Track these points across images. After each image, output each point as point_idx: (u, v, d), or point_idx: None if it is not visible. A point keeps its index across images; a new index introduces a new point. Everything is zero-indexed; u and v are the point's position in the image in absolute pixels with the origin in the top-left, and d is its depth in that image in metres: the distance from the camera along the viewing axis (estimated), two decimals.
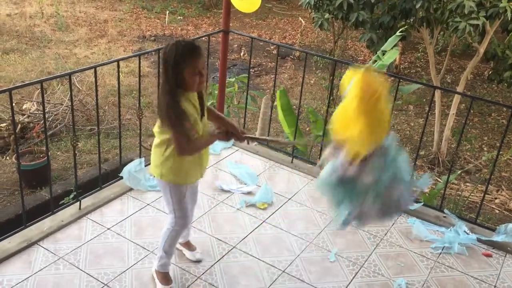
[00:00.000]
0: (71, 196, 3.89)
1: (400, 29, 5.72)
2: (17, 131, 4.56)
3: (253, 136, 3.02)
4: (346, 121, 2.45)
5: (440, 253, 3.43)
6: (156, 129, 2.66)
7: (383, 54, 5.60)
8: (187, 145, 2.55)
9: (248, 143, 2.85)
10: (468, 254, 3.45)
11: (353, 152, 2.44)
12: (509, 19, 5.57)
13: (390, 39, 5.56)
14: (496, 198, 6.33)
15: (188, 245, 3.18)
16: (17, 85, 3.52)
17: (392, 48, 5.65)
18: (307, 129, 7.51)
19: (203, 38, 4.69)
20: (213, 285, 2.98)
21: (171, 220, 2.82)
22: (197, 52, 2.47)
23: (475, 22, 5.53)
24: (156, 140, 2.68)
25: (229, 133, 2.76)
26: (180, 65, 2.44)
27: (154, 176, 2.81)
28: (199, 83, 2.51)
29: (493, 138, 8.06)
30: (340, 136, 2.51)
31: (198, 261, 3.13)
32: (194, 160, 2.68)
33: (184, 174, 2.71)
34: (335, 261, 3.27)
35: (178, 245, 3.15)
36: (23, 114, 6.43)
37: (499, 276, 3.27)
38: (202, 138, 2.65)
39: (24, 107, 6.70)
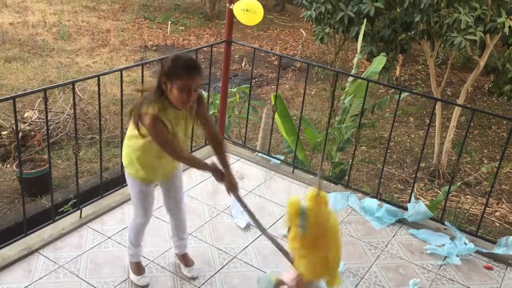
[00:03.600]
0: (70, 203, 3.90)
1: (362, 28, 5.80)
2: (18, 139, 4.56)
3: (242, 201, 2.82)
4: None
5: (441, 266, 3.43)
6: (130, 125, 2.67)
7: (365, 56, 5.67)
8: (180, 151, 2.59)
9: (229, 194, 2.81)
10: (469, 266, 3.45)
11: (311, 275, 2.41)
12: (507, 33, 5.61)
13: (377, 60, 5.61)
14: (496, 211, 6.32)
15: (185, 260, 3.14)
16: (20, 93, 3.53)
17: (379, 55, 5.71)
18: (307, 140, 7.53)
19: (206, 48, 4.72)
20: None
21: (132, 214, 2.94)
22: (193, 71, 2.43)
23: (471, 37, 5.56)
24: (128, 133, 2.72)
25: (223, 177, 2.75)
26: (172, 76, 2.42)
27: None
28: (184, 102, 2.46)
29: (493, 151, 8.07)
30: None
31: (192, 278, 3.08)
32: (153, 161, 2.69)
33: (145, 171, 2.71)
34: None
35: (176, 258, 3.17)
36: (25, 122, 6.45)
37: None
38: (198, 159, 2.77)
39: (25, 115, 6.72)
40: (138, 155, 2.68)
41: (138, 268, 3.02)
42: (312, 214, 2.33)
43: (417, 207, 3.81)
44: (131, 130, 2.66)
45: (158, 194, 2.98)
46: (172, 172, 2.88)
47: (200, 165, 2.78)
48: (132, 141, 2.67)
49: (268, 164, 4.49)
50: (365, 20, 6.02)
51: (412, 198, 3.92)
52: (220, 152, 2.81)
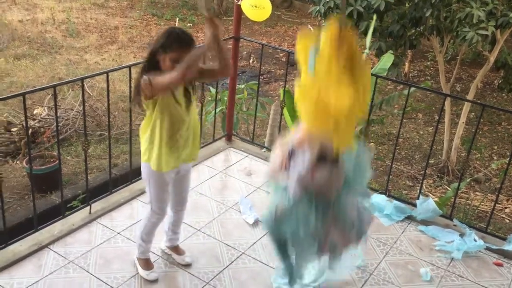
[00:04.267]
0: (79, 198, 3.92)
1: (373, 23, 5.75)
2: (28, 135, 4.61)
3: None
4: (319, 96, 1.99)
5: (450, 262, 3.41)
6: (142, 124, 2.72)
7: (375, 54, 5.63)
8: (173, 73, 2.44)
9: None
10: (479, 263, 3.43)
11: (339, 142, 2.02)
12: None
13: (385, 57, 5.58)
14: (506, 208, 6.28)
15: (177, 250, 3.19)
16: (30, 89, 3.56)
17: (387, 52, 5.67)
18: None
19: None
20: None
21: (148, 213, 2.91)
22: (186, 43, 2.49)
23: (483, 32, 5.51)
24: (141, 126, 2.74)
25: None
26: (165, 49, 2.48)
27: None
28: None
29: (503, 147, 8.00)
30: (311, 121, 2.08)
31: (187, 265, 3.13)
32: (169, 146, 2.67)
33: (157, 159, 2.69)
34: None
35: (166, 250, 3.21)
36: (34, 119, 6.49)
37: (510, 286, 3.24)
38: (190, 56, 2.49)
39: (35, 112, 6.76)
40: (155, 135, 2.64)
41: (147, 264, 3.04)
42: (328, 46, 1.95)
43: (426, 205, 3.79)
44: (143, 123, 2.71)
45: None
46: (190, 156, 2.82)
47: (197, 54, 2.50)
48: (146, 131, 2.69)
49: None
50: (374, 16, 5.98)
51: (421, 195, 3.90)
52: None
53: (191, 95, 2.72)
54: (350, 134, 2.15)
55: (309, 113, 2.07)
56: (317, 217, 2.24)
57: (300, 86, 2.10)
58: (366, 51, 5.73)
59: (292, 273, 2.56)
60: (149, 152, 2.71)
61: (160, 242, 3.22)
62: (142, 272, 3.01)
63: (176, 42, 2.48)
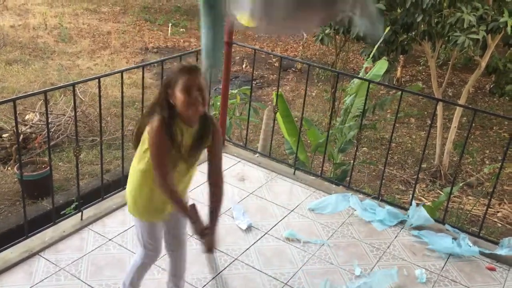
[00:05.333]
0: (73, 206, 3.89)
1: (385, 33, 5.79)
2: (19, 141, 4.59)
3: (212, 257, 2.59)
4: None
5: (443, 267, 3.41)
6: (135, 157, 2.47)
7: (372, 60, 5.67)
8: (166, 178, 2.30)
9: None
10: (472, 267, 3.43)
11: None
12: (509, 33, 5.60)
13: (379, 63, 5.61)
14: (498, 212, 6.31)
15: None
16: (21, 95, 3.53)
17: (380, 59, 5.71)
18: (308, 141, 7.53)
19: None
20: None
21: (140, 251, 2.64)
22: (190, 70, 2.30)
23: (474, 36, 5.55)
24: (132, 165, 2.50)
25: (204, 233, 2.41)
26: (173, 83, 2.29)
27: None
28: (190, 104, 2.27)
29: (494, 151, 8.05)
30: None
31: None
32: (154, 198, 2.44)
33: (149, 211, 2.50)
34: (337, 274, 3.24)
35: None
36: (26, 125, 6.45)
37: None
38: (182, 199, 2.42)
39: (26, 117, 6.72)
40: (141, 183, 2.45)
41: None
42: None
43: (418, 213, 3.79)
44: (136, 161, 2.47)
45: None
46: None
47: (181, 205, 2.38)
48: (136, 174, 2.46)
49: (269, 166, 4.48)
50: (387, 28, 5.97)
51: (413, 203, 3.90)
52: (215, 199, 2.50)
53: (196, 152, 2.44)
54: None
55: None
56: None
57: None
58: (369, 60, 5.77)
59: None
60: (133, 198, 2.49)
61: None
62: None
63: (179, 72, 2.30)
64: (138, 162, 2.43)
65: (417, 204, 3.88)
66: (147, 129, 2.32)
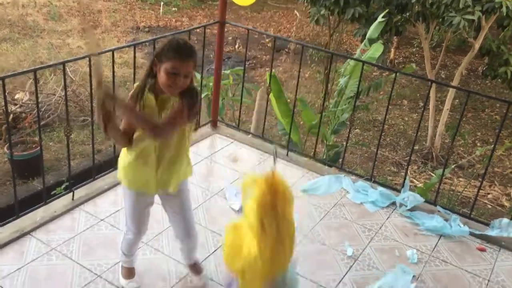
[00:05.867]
0: (64, 186, 3.86)
1: (382, 15, 5.74)
2: (9, 121, 4.52)
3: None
4: (240, 243, 2.10)
5: (434, 247, 3.44)
6: None
7: (368, 42, 5.63)
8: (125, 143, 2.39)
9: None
10: (462, 248, 3.46)
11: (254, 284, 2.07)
12: (505, 14, 5.57)
13: (373, 26, 5.56)
14: (489, 194, 6.36)
15: (195, 268, 2.92)
16: (10, 73, 3.47)
17: (377, 41, 5.67)
18: (301, 122, 7.52)
19: (199, 29, 4.65)
20: (208, 277, 2.96)
21: (125, 228, 2.73)
22: (183, 55, 2.27)
23: (470, 17, 5.52)
24: None
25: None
26: (161, 58, 2.27)
27: None
28: (169, 86, 2.27)
29: (486, 133, 8.09)
30: (233, 265, 2.17)
31: (202, 286, 2.92)
32: (140, 163, 2.46)
33: (129, 176, 2.51)
34: (329, 254, 3.26)
35: (187, 267, 2.96)
36: (15, 104, 6.37)
37: (493, 270, 3.28)
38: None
39: (16, 97, 6.63)
40: (125, 155, 2.50)
41: (129, 273, 2.86)
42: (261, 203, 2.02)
43: (412, 198, 3.80)
44: None
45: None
46: (171, 184, 2.53)
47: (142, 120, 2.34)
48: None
49: (262, 147, 4.47)
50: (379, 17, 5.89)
51: (407, 180, 3.90)
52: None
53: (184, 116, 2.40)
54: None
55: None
56: None
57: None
58: (366, 42, 5.72)
59: None
60: (122, 165, 2.53)
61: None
62: (122, 281, 2.84)
63: (172, 51, 2.26)
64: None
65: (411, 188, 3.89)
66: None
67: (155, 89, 2.36)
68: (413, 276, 3.13)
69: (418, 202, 3.80)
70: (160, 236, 3.24)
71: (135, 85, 2.40)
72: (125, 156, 2.51)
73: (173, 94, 2.35)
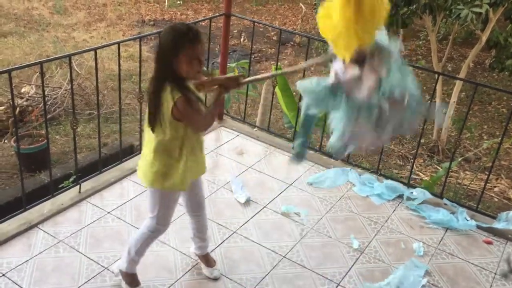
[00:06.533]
0: (71, 179, 3.88)
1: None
2: (16, 114, 4.53)
3: (251, 78, 2.74)
4: (331, 12, 2.09)
5: (441, 240, 3.43)
6: (150, 137, 2.44)
7: None
8: (203, 120, 2.39)
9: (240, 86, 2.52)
10: (469, 241, 3.46)
11: (344, 49, 2.10)
12: None
13: None
14: (495, 187, 6.33)
15: (207, 260, 2.96)
16: (17, 66, 3.48)
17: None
18: None
19: (204, 22, 4.64)
20: (219, 272, 2.97)
21: (150, 224, 2.63)
22: (196, 37, 2.25)
23: (478, 9, 5.47)
24: (151, 146, 2.45)
25: (222, 86, 2.46)
26: (177, 52, 2.21)
27: (144, 185, 2.60)
28: (199, 71, 2.31)
29: (492, 126, 8.04)
30: (326, 35, 2.19)
31: (215, 279, 2.92)
32: (191, 161, 2.49)
33: (184, 179, 2.49)
34: (335, 247, 3.26)
35: (197, 258, 3.00)
36: (22, 98, 6.39)
37: (499, 263, 3.27)
38: (207, 109, 2.42)
39: (22, 90, 6.65)
40: (182, 154, 2.43)
41: (135, 281, 2.77)
42: None
43: (421, 195, 3.78)
44: (155, 141, 2.41)
45: None
46: (205, 168, 2.68)
47: (216, 107, 2.49)
48: (161, 152, 2.43)
49: (268, 140, 4.46)
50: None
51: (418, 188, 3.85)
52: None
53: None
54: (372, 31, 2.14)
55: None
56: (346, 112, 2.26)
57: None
58: None
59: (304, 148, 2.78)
60: (168, 176, 2.45)
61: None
62: None
63: (185, 39, 2.22)
64: (163, 134, 2.39)
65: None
66: (171, 110, 2.27)
67: (179, 86, 2.28)
68: (426, 270, 3.12)
69: (427, 198, 3.78)
70: None
71: (179, 101, 2.26)
72: (182, 164, 2.44)
73: (199, 80, 2.39)
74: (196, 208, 2.82)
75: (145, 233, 2.66)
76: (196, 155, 2.54)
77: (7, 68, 2.98)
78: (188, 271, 2.95)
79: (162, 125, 2.33)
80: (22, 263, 2.88)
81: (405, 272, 3.05)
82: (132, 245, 2.68)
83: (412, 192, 3.82)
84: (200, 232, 2.90)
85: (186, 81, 2.32)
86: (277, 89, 5.02)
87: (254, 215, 3.49)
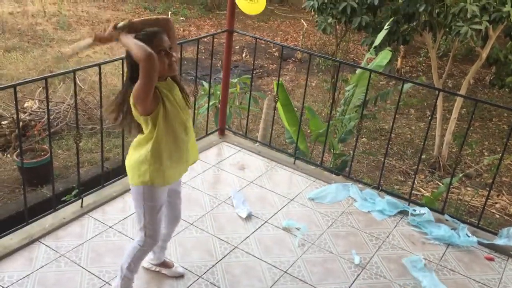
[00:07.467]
0: (73, 193, 3.89)
1: (388, 23, 5.77)
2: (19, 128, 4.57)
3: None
4: None
5: (442, 256, 3.43)
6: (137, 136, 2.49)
7: (375, 50, 5.65)
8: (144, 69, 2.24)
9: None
10: (470, 257, 3.45)
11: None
12: None
13: (380, 35, 5.59)
14: (496, 203, 6.33)
15: (165, 264, 2.99)
16: (21, 81, 3.52)
17: (384, 48, 5.70)
18: (309, 131, 7.53)
19: (207, 38, 4.70)
20: (215, 285, 2.97)
21: (140, 238, 2.62)
22: (155, 32, 2.32)
23: (477, 26, 5.53)
24: (136, 140, 2.50)
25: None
26: (153, 47, 2.24)
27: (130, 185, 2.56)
28: (170, 63, 2.33)
29: (493, 143, 8.06)
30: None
31: (181, 276, 2.96)
32: (175, 158, 2.49)
33: (163, 175, 2.46)
34: (336, 263, 3.26)
35: (154, 268, 2.99)
36: (25, 112, 6.43)
37: (501, 280, 3.26)
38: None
39: (25, 105, 6.70)
40: (161, 150, 2.42)
41: None
42: None
43: (426, 215, 3.77)
44: (139, 137, 2.47)
45: None
46: (192, 159, 2.64)
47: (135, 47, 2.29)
48: (144, 148, 2.43)
49: (269, 155, 4.48)
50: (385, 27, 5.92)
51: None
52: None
53: (187, 95, 2.54)
54: None
55: None
56: None
57: None
58: (372, 51, 5.74)
59: None
60: (153, 171, 2.42)
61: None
62: None
63: (149, 32, 2.32)
64: (143, 142, 2.44)
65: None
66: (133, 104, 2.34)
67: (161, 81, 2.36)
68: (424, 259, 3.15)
69: (431, 218, 3.75)
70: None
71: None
72: (164, 159, 2.43)
73: (175, 72, 2.42)
74: (173, 220, 2.85)
75: (135, 247, 2.65)
76: (181, 150, 2.50)
77: (12, 83, 3.01)
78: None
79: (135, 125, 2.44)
80: (23, 277, 2.87)
81: None
82: (124, 261, 2.67)
83: (414, 209, 3.82)
84: (164, 241, 2.91)
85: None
86: (278, 105, 5.06)
87: (256, 230, 3.49)
